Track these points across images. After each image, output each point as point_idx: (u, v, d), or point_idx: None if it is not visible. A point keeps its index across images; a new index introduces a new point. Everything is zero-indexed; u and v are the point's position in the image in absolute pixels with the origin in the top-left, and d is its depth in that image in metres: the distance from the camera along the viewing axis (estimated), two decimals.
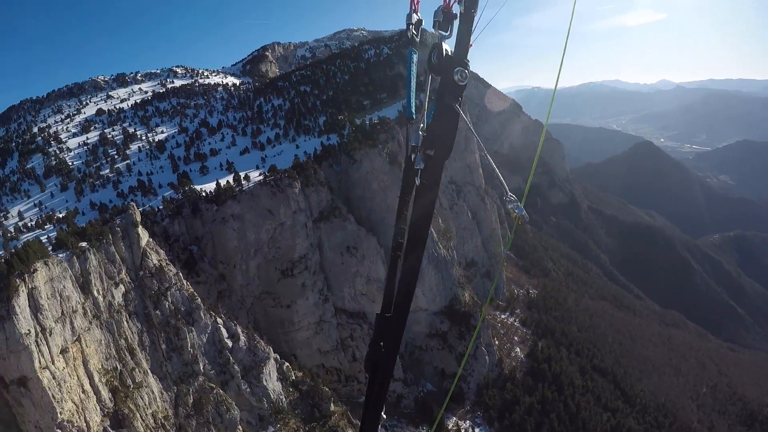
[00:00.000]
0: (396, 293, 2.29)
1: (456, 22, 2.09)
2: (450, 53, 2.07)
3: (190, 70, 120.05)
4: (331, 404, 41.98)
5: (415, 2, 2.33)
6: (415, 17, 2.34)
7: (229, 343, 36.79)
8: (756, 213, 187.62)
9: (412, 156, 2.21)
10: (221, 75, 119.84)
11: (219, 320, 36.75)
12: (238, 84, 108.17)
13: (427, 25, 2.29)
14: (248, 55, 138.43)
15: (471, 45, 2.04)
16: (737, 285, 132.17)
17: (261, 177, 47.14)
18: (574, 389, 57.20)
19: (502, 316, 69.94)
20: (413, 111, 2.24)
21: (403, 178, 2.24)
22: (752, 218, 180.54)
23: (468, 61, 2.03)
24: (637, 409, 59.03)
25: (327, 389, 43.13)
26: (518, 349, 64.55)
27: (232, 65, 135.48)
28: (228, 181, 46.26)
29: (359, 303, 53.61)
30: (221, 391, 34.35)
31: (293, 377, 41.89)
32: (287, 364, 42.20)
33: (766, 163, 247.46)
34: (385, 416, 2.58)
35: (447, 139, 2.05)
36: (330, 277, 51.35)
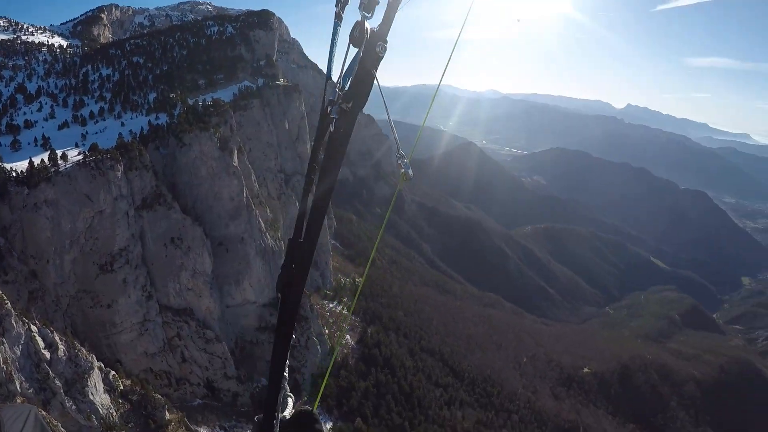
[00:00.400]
0: (307, 220, 2.89)
1: (377, 7, 2.71)
2: (374, 30, 2.74)
3: (13, 24, 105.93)
4: (166, 412, 41.27)
5: None
6: None
7: (47, 354, 33.54)
8: (564, 209, 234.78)
9: (328, 108, 2.93)
10: (48, 33, 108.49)
11: (33, 328, 33.17)
12: (65, 46, 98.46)
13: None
14: (81, 15, 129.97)
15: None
16: (547, 269, 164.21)
17: (80, 157, 42.67)
18: (406, 370, 66.04)
19: (330, 305, 75.87)
20: (332, 72, 2.90)
21: (319, 126, 2.98)
22: (560, 213, 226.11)
23: (387, 39, 2.70)
24: (467, 382, 70.95)
25: (159, 396, 42.09)
26: (348, 337, 71.17)
27: (61, 24, 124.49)
28: (42, 160, 41.00)
29: (185, 299, 52.66)
30: (43, 412, 31.75)
31: (121, 387, 39.89)
32: (113, 372, 39.94)
33: (573, 166, 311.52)
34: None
35: (363, 96, 2.77)
36: (153, 272, 49.37)
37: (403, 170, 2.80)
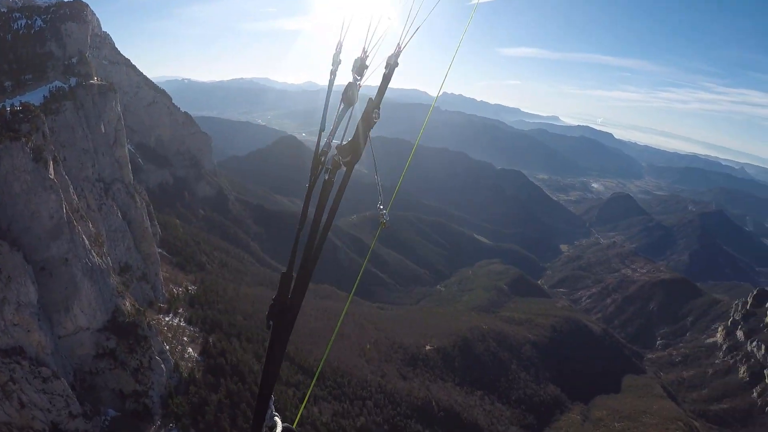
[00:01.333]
0: (300, 270, 4.04)
1: (367, 72, 3.93)
2: (372, 98, 3.83)
3: None
4: None
5: (339, 48, 4.19)
6: (339, 58, 4.23)
7: None
8: (387, 195, 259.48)
9: (322, 158, 4.00)
10: None
11: None
12: None
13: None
14: None
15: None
16: (376, 255, 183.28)
17: None
18: (255, 375, 75.86)
19: (166, 319, 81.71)
20: (325, 124, 4.04)
21: (311, 173, 4.00)
22: (384, 200, 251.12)
23: (380, 107, 3.86)
24: (317, 377, 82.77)
25: None
26: (191, 349, 78.20)
27: None
28: None
29: (13, 336, 54.87)
30: None
31: None
32: None
33: (393, 154, 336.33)
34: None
35: (359, 152, 3.85)
36: None
37: (383, 220, 4.53)
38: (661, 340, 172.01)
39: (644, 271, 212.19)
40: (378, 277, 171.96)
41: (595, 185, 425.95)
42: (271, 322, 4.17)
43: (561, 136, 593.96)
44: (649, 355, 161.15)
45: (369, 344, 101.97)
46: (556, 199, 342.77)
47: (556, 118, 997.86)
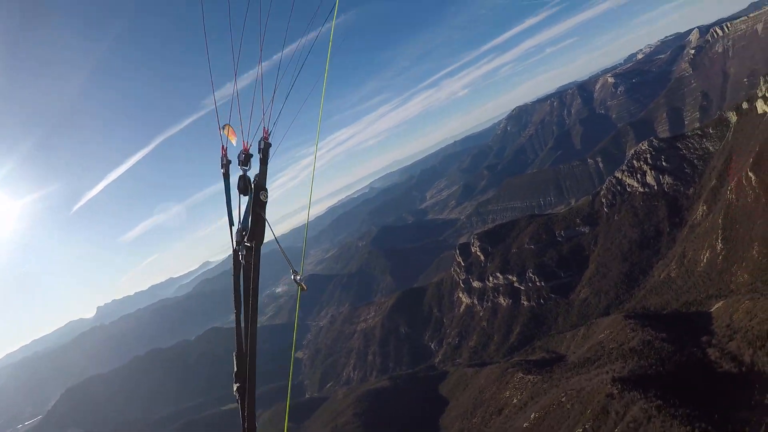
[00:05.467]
0: (245, 342, 4.97)
1: (252, 159, 4.90)
2: (255, 181, 4.61)
3: None
4: None
5: (224, 150, 5.13)
6: (225, 160, 5.16)
7: None
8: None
9: (238, 248, 4.88)
10: None
11: None
12: None
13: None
14: None
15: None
16: None
17: None
18: None
19: None
20: (233, 219, 4.81)
21: (233, 263, 4.84)
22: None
23: (266, 187, 4.66)
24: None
25: None
26: None
27: None
28: None
29: None
30: None
31: None
32: None
33: None
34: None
35: (260, 234, 4.56)
36: None
37: (300, 284, 5.36)
38: (432, 342, 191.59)
39: (373, 314, 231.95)
40: None
41: (279, 290, 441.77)
42: (236, 395, 5.36)
43: (221, 273, 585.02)
44: (437, 359, 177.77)
45: None
46: (260, 325, 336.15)
47: (207, 263, 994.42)
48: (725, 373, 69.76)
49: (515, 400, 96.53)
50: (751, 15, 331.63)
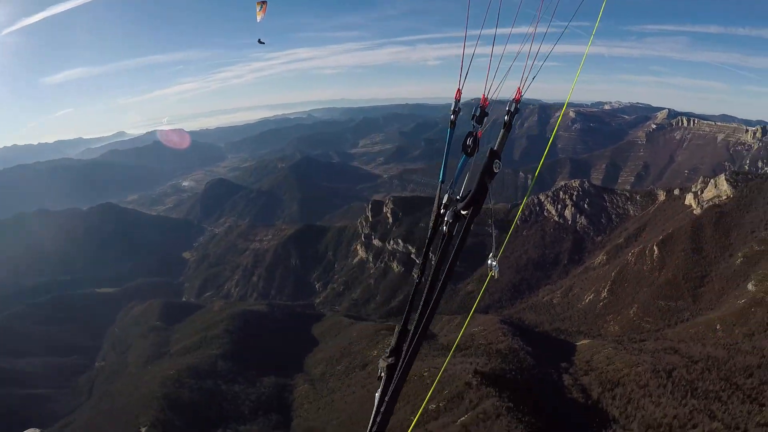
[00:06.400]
0: (419, 319, 4.29)
1: (486, 119, 4.25)
2: (494, 148, 4.02)
3: None
4: None
5: (458, 95, 4.64)
6: (458, 106, 4.70)
7: None
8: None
9: (442, 210, 4.35)
10: None
11: None
12: None
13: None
14: None
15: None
16: None
17: None
18: None
19: None
20: (443, 176, 4.34)
21: (432, 225, 4.40)
22: None
23: (501, 157, 3.99)
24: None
25: None
26: None
27: None
28: None
29: None
30: None
31: None
32: None
33: None
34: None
35: (480, 204, 4.14)
36: None
37: (492, 271, 4.75)
38: (318, 282, 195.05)
39: (270, 237, 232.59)
40: None
41: (185, 183, 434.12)
42: (382, 374, 4.41)
43: (133, 149, 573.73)
44: (318, 300, 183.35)
45: None
46: (155, 213, 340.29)
47: (122, 133, 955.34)
48: (572, 399, 76.60)
49: None
50: (719, 123, 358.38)
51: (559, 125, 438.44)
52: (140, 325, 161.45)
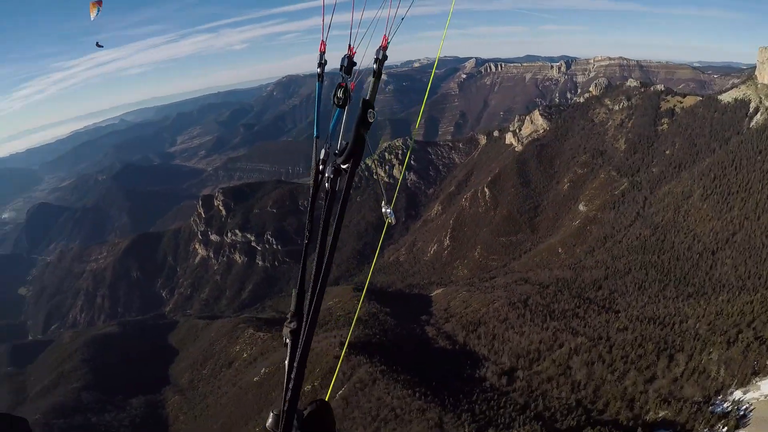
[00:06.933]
0: (315, 279, 4.02)
1: (355, 68, 4.06)
2: (366, 97, 3.85)
3: None
4: None
5: (322, 47, 4.36)
6: (324, 58, 4.38)
7: None
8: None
9: (320, 166, 4.17)
10: None
11: None
12: None
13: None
14: None
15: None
16: None
17: None
18: None
19: None
20: (317, 131, 4.19)
21: (313, 182, 4.18)
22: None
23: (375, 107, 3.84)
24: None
25: None
26: None
27: None
28: None
29: None
30: None
31: None
32: None
33: None
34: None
35: (359, 156, 3.90)
36: None
37: (388, 218, 4.68)
38: (164, 290, 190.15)
39: (105, 254, 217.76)
40: None
41: (5, 215, 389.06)
42: (287, 341, 4.24)
43: None
44: (168, 308, 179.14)
45: None
46: None
47: None
48: (440, 348, 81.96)
49: (245, 355, 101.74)
50: (525, 64, 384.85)
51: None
52: None
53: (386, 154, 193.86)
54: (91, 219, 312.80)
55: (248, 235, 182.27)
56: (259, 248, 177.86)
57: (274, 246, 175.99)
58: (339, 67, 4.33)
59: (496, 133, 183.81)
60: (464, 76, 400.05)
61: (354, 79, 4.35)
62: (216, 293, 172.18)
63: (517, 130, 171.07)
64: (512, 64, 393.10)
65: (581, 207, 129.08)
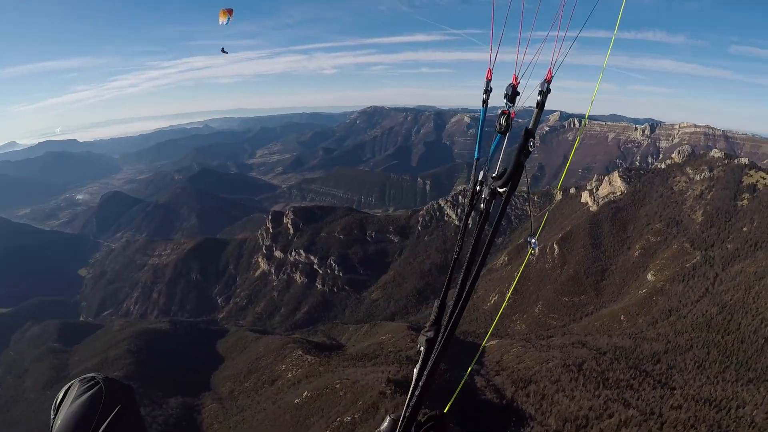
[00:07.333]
0: (459, 294, 4.05)
1: (518, 98, 4.22)
2: (529, 127, 4.00)
3: None
4: None
5: (489, 75, 4.53)
6: (490, 85, 4.55)
7: None
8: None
9: (477, 188, 4.37)
10: None
11: None
12: None
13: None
14: None
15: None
16: None
17: None
18: None
19: None
20: (478, 153, 4.46)
21: (468, 202, 4.40)
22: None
23: (537, 135, 4.00)
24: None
25: None
26: None
27: None
28: None
29: None
30: None
31: None
32: None
33: None
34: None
35: (516, 182, 4.02)
36: None
37: (531, 248, 4.72)
38: (220, 296, 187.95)
39: (169, 251, 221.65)
40: None
41: (80, 197, 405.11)
42: (421, 349, 4.33)
43: (24, 160, 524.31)
44: (221, 315, 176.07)
45: None
46: (48, 228, 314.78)
47: (13, 143, 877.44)
48: (487, 400, 77.73)
49: (290, 375, 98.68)
50: (609, 123, 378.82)
51: (454, 130, 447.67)
52: (37, 347, 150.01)
53: (460, 197, 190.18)
54: (162, 215, 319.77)
55: (312, 257, 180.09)
56: (320, 271, 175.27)
57: (336, 272, 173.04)
58: (504, 95, 4.35)
59: (572, 190, 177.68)
60: (547, 128, 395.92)
61: (516, 108, 4.38)
62: (271, 309, 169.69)
63: (594, 190, 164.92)
64: (596, 122, 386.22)
65: (649, 276, 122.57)
